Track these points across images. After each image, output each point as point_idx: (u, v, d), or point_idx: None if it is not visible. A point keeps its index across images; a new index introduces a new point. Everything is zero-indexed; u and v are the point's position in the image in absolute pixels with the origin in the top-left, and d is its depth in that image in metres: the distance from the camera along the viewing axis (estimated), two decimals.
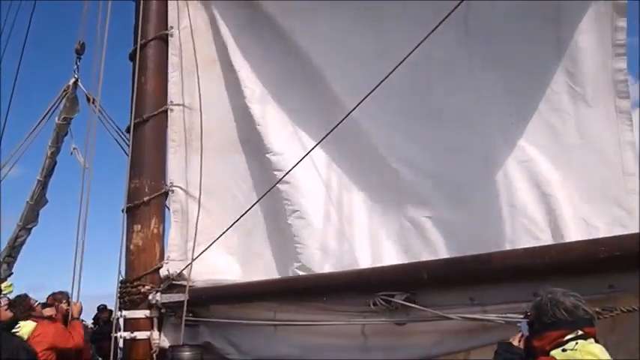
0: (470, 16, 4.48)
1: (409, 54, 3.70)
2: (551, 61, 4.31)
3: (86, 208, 5.75)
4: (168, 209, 5.40)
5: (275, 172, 4.85)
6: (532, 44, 4.40)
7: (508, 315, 3.26)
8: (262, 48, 5.23)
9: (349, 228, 4.81)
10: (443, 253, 4.42)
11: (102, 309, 10.07)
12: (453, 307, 3.52)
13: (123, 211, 5.24)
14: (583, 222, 4.12)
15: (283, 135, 5.04)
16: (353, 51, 4.90)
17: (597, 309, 2.82)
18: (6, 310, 5.00)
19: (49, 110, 6.68)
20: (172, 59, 5.47)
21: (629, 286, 2.97)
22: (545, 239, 4.12)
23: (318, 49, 5.02)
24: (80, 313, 5.97)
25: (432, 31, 3.58)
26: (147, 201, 5.23)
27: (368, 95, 3.92)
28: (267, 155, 4.98)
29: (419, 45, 3.65)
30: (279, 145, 4.98)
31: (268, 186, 4.76)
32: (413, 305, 3.66)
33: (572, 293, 2.58)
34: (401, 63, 3.74)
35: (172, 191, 5.29)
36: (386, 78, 3.80)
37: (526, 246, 3.81)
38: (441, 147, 4.59)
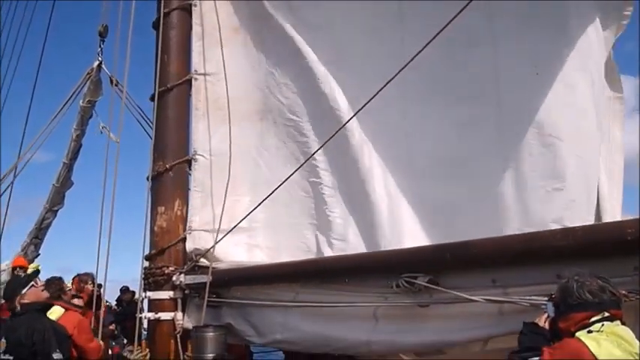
0: None
1: (422, 49, 3.67)
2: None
3: (113, 189, 5.72)
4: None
5: (300, 145, 4.90)
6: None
7: (533, 297, 3.21)
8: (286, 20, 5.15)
9: (371, 205, 4.73)
10: (462, 234, 4.39)
11: (124, 290, 10.24)
12: (476, 289, 3.49)
13: (148, 179, 5.30)
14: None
15: (311, 103, 5.03)
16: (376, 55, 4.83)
17: (624, 291, 2.78)
18: (42, 290, 5.07)
19: (74, 93, 6.76)
20: (196, 29, 5.49)
21: None
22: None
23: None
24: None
25: (443, 28, 3.53)
26: (170, 167, 5.27)
27: (382, 89, 3.88)
28: (291, 124, 5.02)
29: (430, 42, 3.62)
30: (305, 115, 5.02)
31: (291, 155, 4.83)
32: (436, 287, 3.64)
33: (599, 275, 2.55)
34: (415, 57, 3.71)
35: (196, 160, 5.32)
36: (398, 73, 3.75)
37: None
38: (455, 121, 4.54)
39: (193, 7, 5.54)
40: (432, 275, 3.67)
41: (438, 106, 4.62)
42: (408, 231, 4.60)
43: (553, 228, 3.77)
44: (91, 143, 7.47)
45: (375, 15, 4.86)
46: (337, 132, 4.42)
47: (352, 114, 4.43)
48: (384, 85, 3.85)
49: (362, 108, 4.13)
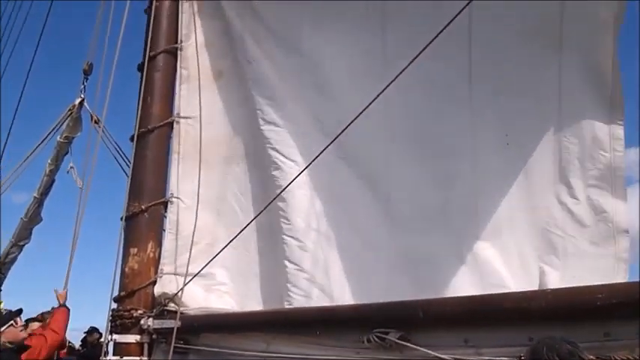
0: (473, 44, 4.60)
1: (404, 68, 3.71)
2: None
3: (77, 227, 5.73)
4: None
5: (277, 189, 4.88)
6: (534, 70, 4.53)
7: (502, 358, 3.22)
8: (274, 61, 5.28)
9: (338, 255, 4.82)
10: (437, 289, 4.44)
11: (91, 331, 9.97)
12: (448, 348, 3.48)
13: (122, 219, 5.24)
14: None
15: (288, 150, 5.07)
16: (360, 69, 4.98)
17: (592, 357, 2.80)
18: (21, 330, 4.92)
19: (52, 130, 6.73)
20: (181, 72, 5.53)
21: (626, 335, 2.96)
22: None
23: (331, 65, 5.09)
24: (65, 300, 5.93)
25: (428, 44, 3.59)
26: (145, 208, 5.23)
27: (360, 114, 3.95)
28: (269, 170, 5.02)
29: (414, 59, 3.66)
30: (282, 161, 5.03)
31: (268, 202, 4.77)
32: (407, 344, 3.61)
33: (569, 339, 2.57)
34: (397, 77, 3.76)
35: (172, 202, 5.29)
36: (381, 93, 3.82)
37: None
38: (438, 175, 4.67)
39: (179, 51, 5.58)
40: (404, 331, 3.64)
41: (418, 158, 4.76)
42: (382, 283, 4.62)
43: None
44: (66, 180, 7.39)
45: (362, 53, 5.02)
46: (302, 171, 4.47)
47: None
48: (367, 107, 3.90)
49: (337, 137, 4.17)
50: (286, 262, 4.85)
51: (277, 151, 5.07)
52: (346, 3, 5.06)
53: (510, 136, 4.63)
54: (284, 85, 5.21)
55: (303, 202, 4.92)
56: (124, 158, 6.55)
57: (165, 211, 5.38)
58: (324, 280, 4.78)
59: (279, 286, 4.91)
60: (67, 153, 6.93)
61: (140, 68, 5.68)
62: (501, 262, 4.52)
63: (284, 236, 4.89)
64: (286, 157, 5.03)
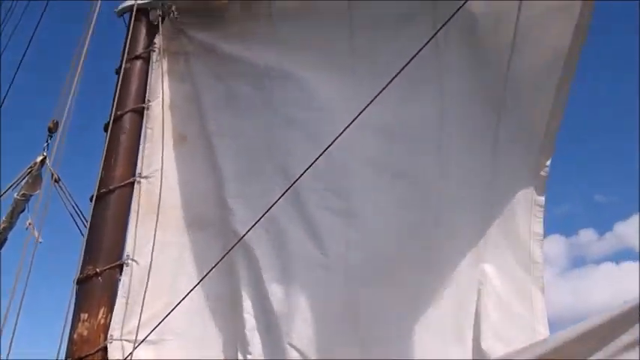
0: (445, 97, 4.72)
1: (376, 96, 3.70)
2: None
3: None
4: None
5: (240, 258, 4.84)
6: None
7: None
8: (243, 123, 5.31)
9: (296, 305, 4.75)
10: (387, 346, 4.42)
11: None
12: None
13: (74, 282, 5.00)
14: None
15: (251, 217, 4.92)
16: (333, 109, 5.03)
17: None
18: None
19: (10, 187, 6.51)
20: (146, 132, 5.44)
21: None
22: None
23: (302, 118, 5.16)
24: None
25: (402, 68, 3.58)
26: (100, 272, 5.00)
27: (323, 152, 3.90)
28: (231, 238, 4.92)
29: (388, 84, 3.65)
30: (244, 227, 4.86)
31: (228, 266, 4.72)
32: None
33: None
34: (367, 107, 3.72)
35: (127, 264, 5.07)
36: (347, 127, 3.77)
37: None
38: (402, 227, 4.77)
39: (146, 110, 5.51)
40: None
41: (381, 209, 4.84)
42: (334, 336, 4.61)
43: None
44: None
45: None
46: (254, 225, 4.37)
47: None
48: (342, 131, 3.83)
49: (295, 181, 4.11)
50: (235, 330, 4.75)
51: (241, 222, 4.99)
52: (317, 49, 5.21)
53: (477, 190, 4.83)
54: (252, 155, 5.22)
55: (261, 256, 4.87)
56: (82, 219, 6.35)
57: (121, 274, 5.14)
58: (285, 332, 4.69)
59: (235, 344, 4.80)
60: (23, 210, 6.69)
61: (106, 128, 5.56)
62: (450, 321, 4.59)
63: (234, 302, 4.79)
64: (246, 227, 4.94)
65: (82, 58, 5.66)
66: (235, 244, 4.49)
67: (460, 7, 3.51)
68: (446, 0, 4.30)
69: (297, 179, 3.99)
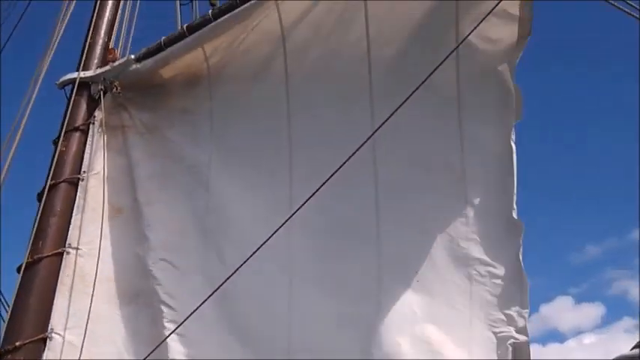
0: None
1: (328, 179, 3.91)
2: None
3: None
4: None
5: (166, 331, 4.76)
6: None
7: None
8: (176, 200, 5.37)
9: None
10: None
11: None
12: None
13: None
14: None
15: (179, 292, 5.02)
16: (264, 214, 5.09)
17: None
18: None
19: None
20: (79, 202, 5.42)
21: None
22: None
23: (228, 200, 5.26)
24: None
25: (374, 132, 3.87)
26: (20, 345, 4.82)
27: (265, 241, 4.03)
28: (159, 311, 4.93)
29: (345, 163, 3.86)
30: (174, 302, 4.96)
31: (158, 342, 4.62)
32: None
33: None
34: (302, 205, 3.93)
35: (51, 338, 4.92)
36: (286, 221, 3.97)
37: None
38: (343, 318, 4.79)
39: (80, 181, 5.52)
40: None
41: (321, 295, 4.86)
42: None
43: None
44: None
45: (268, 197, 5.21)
46: (194, 311, 4.35)
47: None
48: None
49: (263, 243, 4.13)
50: None
51: (167, 293, 5.03)
52: (252, 139, 5.37)
53: (420, 273, 4.82)
54: (180, 227, 5.28)
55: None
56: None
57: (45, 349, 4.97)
58: None
59: None
60: None
61: (39, 197, 5.54)
62: None
63: None
64: (173, 298, 4.98)
65: (20, 133, 5.70)
66: (180, 324, 4.46)
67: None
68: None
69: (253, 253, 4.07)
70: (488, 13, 4.11)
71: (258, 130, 5.48)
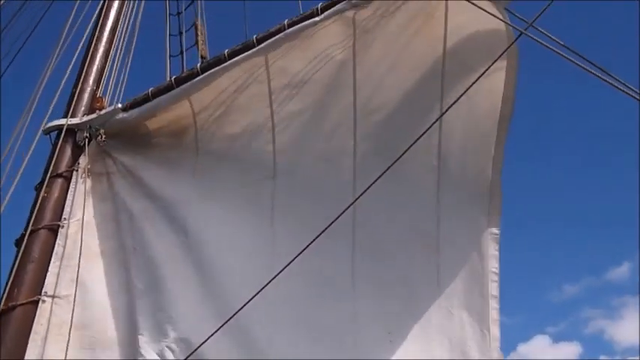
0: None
1: (315, 238, 3.96)
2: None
3: None
4: None
5: None
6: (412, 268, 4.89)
7: None
8: (160, 246, 5.35)
9: None
10: None
11: None
12: None
13: None
14: None
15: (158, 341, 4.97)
16: (246, 249, 5.23)
17: None
18: None
19: None
20: (57, 249, 5.37)
21: None
22: None
23: (213, 248, 5.27)
24: None
25: (363, 192, 3.86)
26: None
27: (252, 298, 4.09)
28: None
29: (330, 224, 3.91)
30: (149, 349, 4.93)
31: None
32: None
33: None
34: (290, 262, 4.02)
35: None
36: (273, 278, 4.02)
37: None
38: None
39: (60, 228, 5.47)
40: None
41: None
42: None
43: None
44: None
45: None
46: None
47: None
48: (259, 292, 4.07)
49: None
50: None
51: (147, 344, 4.96)
52: (236, 191, 5.42)
53: (393, 333, 4.88)
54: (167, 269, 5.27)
55: None
56: None
57: None
58: None
59: None
60: None
61: (17, 243, 5.50)
62: None
63: None
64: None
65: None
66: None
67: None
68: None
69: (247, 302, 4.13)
70: (468, 88, 4.27)
71: (243, 182, 5.55)
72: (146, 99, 5.59)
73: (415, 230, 5.11)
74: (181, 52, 7.87)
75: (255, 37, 5.11)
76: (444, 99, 5.07)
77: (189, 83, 5.41)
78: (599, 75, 3.44)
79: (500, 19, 4.48)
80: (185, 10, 8.00)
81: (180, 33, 7.91)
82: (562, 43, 3.70)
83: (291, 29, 4.93)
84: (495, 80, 4.99)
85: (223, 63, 5.23)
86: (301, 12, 5.35)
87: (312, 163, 5.44)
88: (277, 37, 5.01)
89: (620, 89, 3.37)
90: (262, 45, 5.06)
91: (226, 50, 5.23)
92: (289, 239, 4.81)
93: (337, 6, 4.82)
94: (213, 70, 5.31)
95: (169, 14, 8.04)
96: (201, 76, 5.35)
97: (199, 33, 7.97)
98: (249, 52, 5.13)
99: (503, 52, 4.45)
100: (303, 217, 5.05)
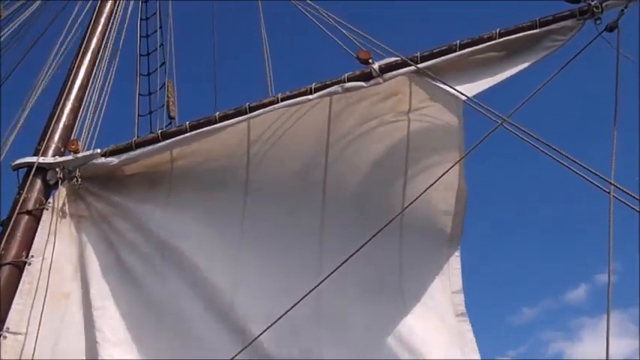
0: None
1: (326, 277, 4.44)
2: None
3: None
4: None
5: None
6: None
7: None
8: (130, 292, 5.44)
9: None
10: None
11: None
12: None
13: None
14: None
15: None
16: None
17: None
18: None
19: None
20: (23, 287, 5.31)
21: None
22: None
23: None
24: None
25: (319, 283, 4.55)
26: None
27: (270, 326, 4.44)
28: None
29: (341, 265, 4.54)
30: None
31: None
32: None
33: None
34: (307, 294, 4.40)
35: None
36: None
37: None
38: None
39: (27, 265, 5.43)
40: None
41: None
42: None
43: None
44: None
45: None
46: None
47: None
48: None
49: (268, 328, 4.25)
50: None
51: None
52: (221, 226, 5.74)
53: None
54: (134, 319, 5.37)
55: None
56: None
57: None
58: None
59: None
60: None
61: None
62: None
63: None
64: None
65: None
66: None
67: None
68: None
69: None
70: (433, 183, 4.93)
71: (212, 230, 5.77)
72: (128, 148, 5.76)
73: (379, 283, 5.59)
74: (150, 112, 8.13)
75: (247, 104, 5.51)
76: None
77: (175, 138, 5.63)
78: (571, 167, 4.07)
79: (477, 109, 4.98)
80: (155, 71, 8.28)
81: (150, 93, 8.18)
82: (536, 136, 4.26)
83: (283, 102, 5.40)
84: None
85: (213, 124, 5.57)
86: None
87: (281, 214, 5.82)
88: (269, 107, 5.45)
89: (593, 182, 3.97)
90: (254, 113, 5.47)
91: (217, 113, 5.59)
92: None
93: (329, 89, 5.35)
94: (201, 130, 5.59)
95: (139, 74, 8.30)
96: (188, 134, 5.60)
97: (169, 95, 8.29)
98: (240, 117, 5.51)
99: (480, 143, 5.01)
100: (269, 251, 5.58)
